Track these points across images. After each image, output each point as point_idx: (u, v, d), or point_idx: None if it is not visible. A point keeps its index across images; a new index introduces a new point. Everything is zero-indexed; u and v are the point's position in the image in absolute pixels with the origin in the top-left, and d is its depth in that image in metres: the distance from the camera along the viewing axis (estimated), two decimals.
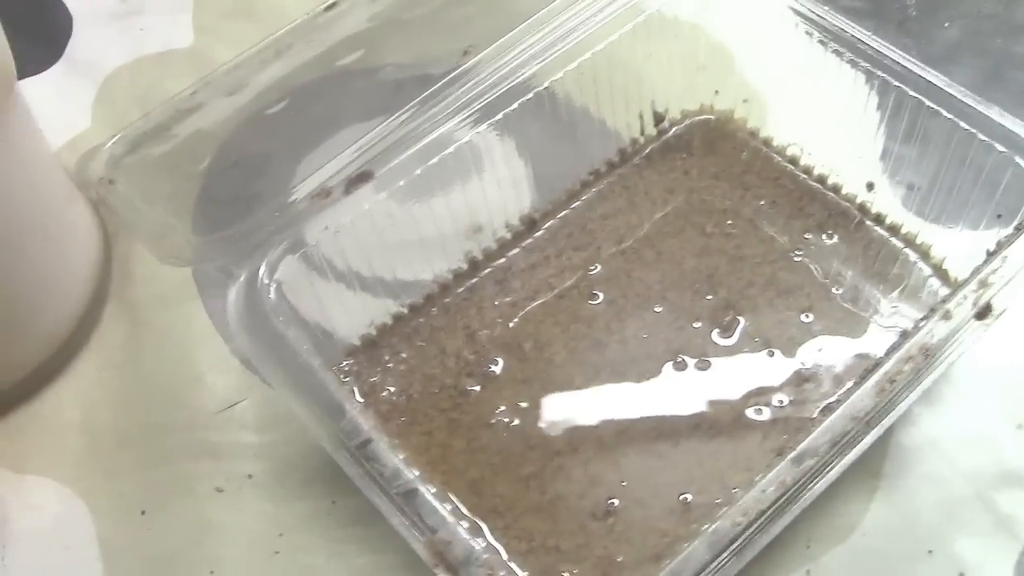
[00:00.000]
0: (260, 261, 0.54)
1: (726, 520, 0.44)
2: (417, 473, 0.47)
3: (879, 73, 0.58)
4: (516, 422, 0.57)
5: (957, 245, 0.60)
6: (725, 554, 0.44)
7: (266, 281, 0.53)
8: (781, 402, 0.57)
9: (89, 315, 0.65)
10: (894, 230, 0.63)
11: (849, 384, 0.51)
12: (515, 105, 0.60)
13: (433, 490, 0.46)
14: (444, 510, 0.46)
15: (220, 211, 0.63)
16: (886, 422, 0.48)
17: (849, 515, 0.56)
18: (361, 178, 0.56)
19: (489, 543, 0.53)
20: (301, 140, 0.66)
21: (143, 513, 0.59)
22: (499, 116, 0.59)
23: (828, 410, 0.47)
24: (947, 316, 0.49)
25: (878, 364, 0.48)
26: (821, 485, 0.46)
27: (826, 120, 0.63)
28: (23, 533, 0.59)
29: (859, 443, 0.47)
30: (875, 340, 0.59)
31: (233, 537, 0.58)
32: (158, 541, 0.58)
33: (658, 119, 0.68)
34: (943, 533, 0.55)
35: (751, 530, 0.44)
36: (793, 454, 0.46)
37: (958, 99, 0.56)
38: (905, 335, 0.49)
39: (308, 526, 0.58)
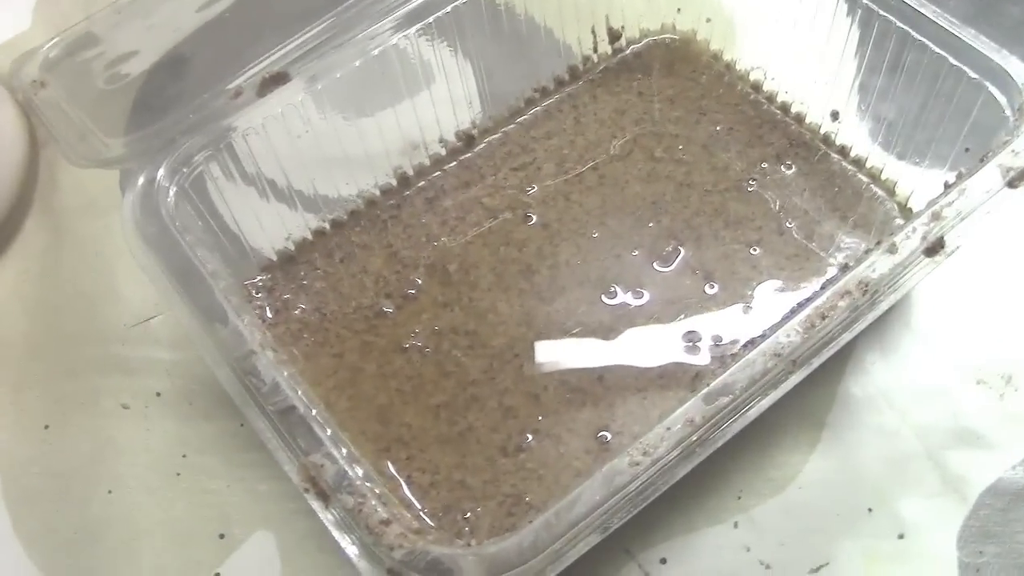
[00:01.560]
0: (160, 162, 0.49)
1: (623, 457, 0.39)
2: (300, 391, 0.42)
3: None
4: (431, 348, 0.52)
5: (924, 182, 0.54)
6: (619, 496, 0.39)
7: (165, 184, 0.49)
8: (718, 340, 0.51)
9: (11, 221, 0.62)
10: (858, 164, 0.57)
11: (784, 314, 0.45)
12: (448, 8, 0.54)
13: (319, 412, 0.42)
14: (322, 432, 0.41)
15: (152, 117, 0.58)
16: (815, 361, 0.42)
17: (787, 467, 0.51)
18: (276, 79, 0.52)
19: (392, 477, 0.48)
20: (240, 46, 0.61)
21: (46, 427, 0.55)
22: (431, 20, 0.54)
23: (750, 345, 0.41)
24: (892, 249, 0.43)
25: (810, 299, 0.42)
26: (737, 426, 0.41)
27: (795, 45, 0.58)
28: None
29: (783, 383, 0.41)
30: (821, 275, 0.53)
31: (135, 456, 0.54)
32: (59, 456, 0.54)
33: (614, 36, 0.62)
34: (886, 491, 0.51)
35: (652, 469, 0.39)
36: (704, 390, 0.40)
37: (930, 20, 0.50)
38: (845, 268, 0.43)
39: (212, 448, 0.54)
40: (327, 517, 0.40)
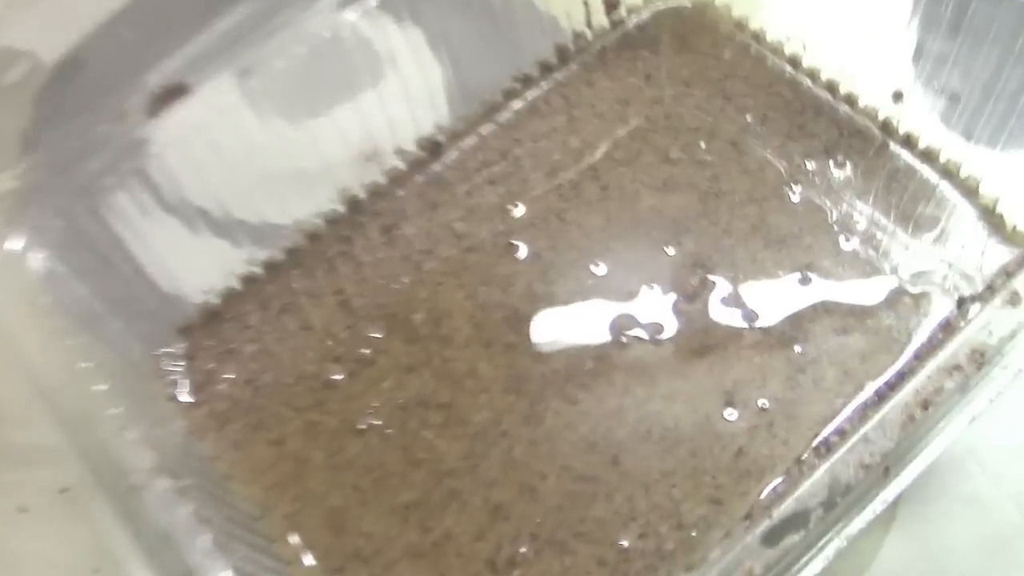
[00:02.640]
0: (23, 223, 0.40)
1: None
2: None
3: None
4: (394, 428, 0.42)
5: (1016, 179, 0.44)
6: None
7: (36, 248, 0.40)
8: (764, 404, 0.39)
9: None
10: (929, 156, 0.47)
11: (861, 390, 0.33)
12: None
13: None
14: None
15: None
16: (917, 464, 0.30)
17: (856, 554, 0.42)
18: (171, 93, 0.42)
19: None
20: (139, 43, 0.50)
21: None
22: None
23: (821, 452, 0.30)
24: (1016, 300, 0.31)
25: (905, 375, 0.30)
26: (818, 564, 0.30)
27: (839, 6, 0.48)
28: None
29: (872, 501, 0.31)
30: (899, 313, 0.42)
31: (37, 572, 0.46)
32: None
33: (610, 5, 0.52)
34: (982, 573, 0.42)
35: None
36: (766, 524, 0.28)
37: None
38: (948, 328, 0.31)
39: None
40: None
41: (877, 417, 0.31)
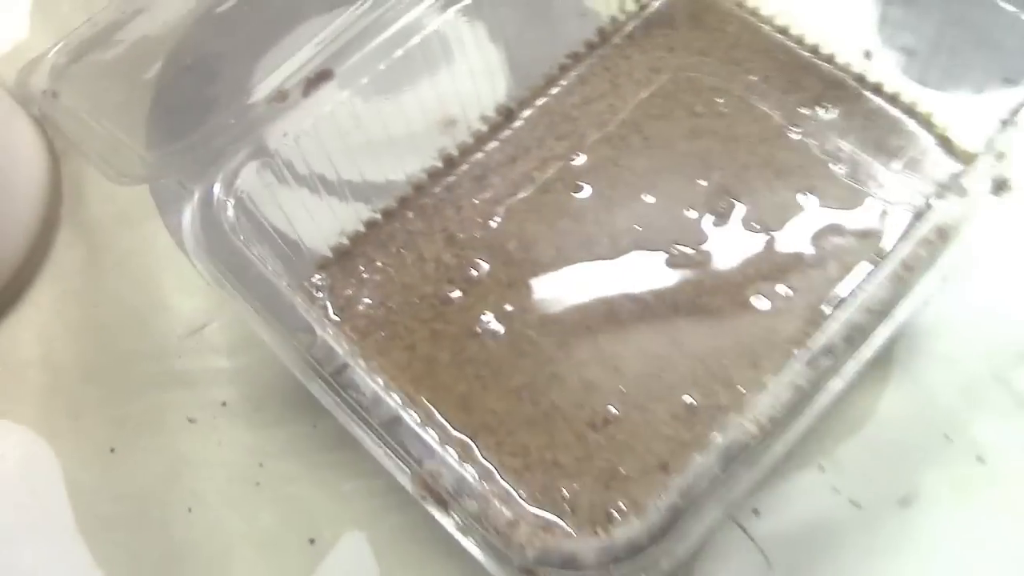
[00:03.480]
0: (215, 176, 0.50)
1: (736, 429, 0.41)
2: (399, 398, 0.43)
3: None
4: (503, 329, 0.53)
5: (962, 112, 0.56)
6: (739, 466, 0.40)
7: (223, 197, 0.50)
8: (786, 290, 0.52)
9: (40, 241, 0.62)
10: (894, 99, 0.59)
11: (858, 269, 0.47)
12: None
13: (417, 417, 0.43)
14: (431, 437, 0.42)
15: (174, 120, 0.59)
16: (902, 312, 0.44)
17: (862, 405, 0.53)
18: (320, 77, 0.52)
19: (483, 466, 0.49)
20: (258, 37, 0.62)
21: (112, 451, 0.56)
22: (467, 1, 0.55)
23: (842, 304, 0.43)
24: (962, 192, 0.45)
25: (893, 251, 0.44)
26: (837, 384, 0.42)
27: None
28: None
29: (875, 336, 0.43)
30: (881, 217, 0.55)
31: (210, 470, 0.55)
32: (130, 480, 0.55)
33: None
34: (960, 417, 0.52)
35: (764, 441, 0.41)
36: (808, 355, 0.42)
37: None
38: (919, 215, 0.45)
39: (289, 453, 0.54)
40: (448, 522, 0.41)
41: (876, 278, 0.43)
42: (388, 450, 0.42)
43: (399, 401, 0.43)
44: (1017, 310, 0.55)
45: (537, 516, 0.47)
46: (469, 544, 0.41)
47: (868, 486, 0.51)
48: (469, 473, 0.41)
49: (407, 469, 0.42)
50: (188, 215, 0.49)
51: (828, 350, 0.42)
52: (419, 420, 0.42)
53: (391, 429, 0.42)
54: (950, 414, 0.52)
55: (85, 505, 0.54)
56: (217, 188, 0.49)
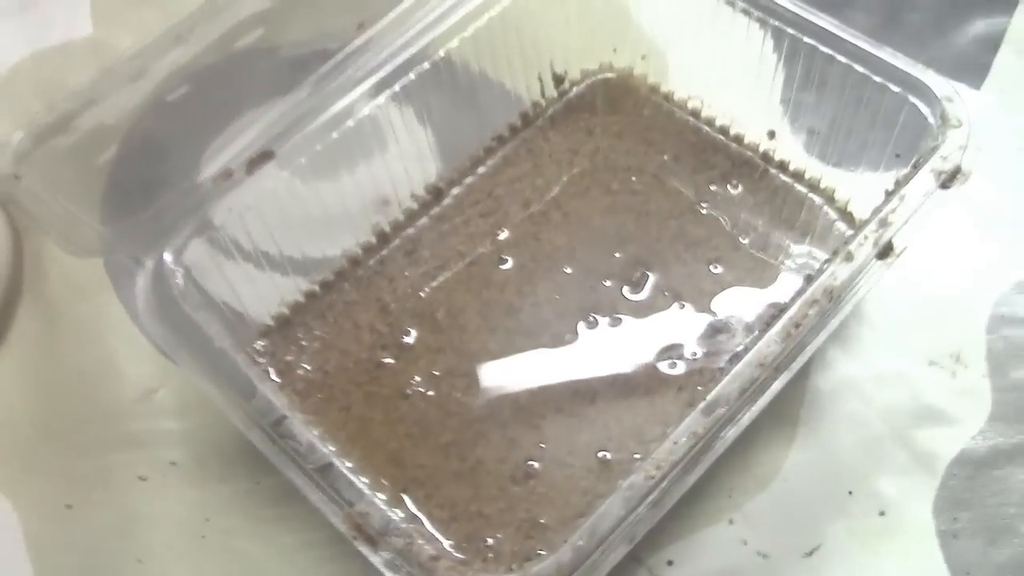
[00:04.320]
0: (165, 247, 0.54)
1: (639, 473, 0.44)
2: (333, 448, 0.47)
3: (772, 21, 0.58)
4: (432, 391, 0.57)
5: (860, 187, 0.61)
6: (641, 507, 0.44)
7: (173, 267, 0.53)
8: (694, 354, 0.57)
9: (3, 314, 0.65)
10: (798, 176, 0.63)
11: (757, 330, 0.51)
12: (412, 75, 0.60)
13: (349, 464, 0.46)
14: (360, 482, 0.46)
15: (127, 200, 0.62)
16: (795, 366, 0.48)
17: (769, 462, 0.57)
18: (262, 157, 0.56)
19: (411, 513, 0.53)
20: (205, 124, 0.65)
21: (68, 507, 0.58)
22: (396, 87, 0.59)
23: (736, 358, 0.47)
24: (849, 257, 0.49)
25: (783, 310, 0.48)
26: (734, 432, 0.47)
27: (725, 71, 0.63)
28: None
29: (769, 389, 0.47)
30: (786, 287, 0.59)
31: (159, 525, 0.57)
32: (85, 534, 0.57)
33: (558, 80, 0.68)
34: (863, 473, 0.56)
35: (665, 481, 0.45)
36: (703, 404, 0.46)
37: (851, 42, 0.56)
38: (809, 279, 0.49)
39: (233, 508, 0.58)
40: (377, 559, 0.44)
41: (768, 335, 0.46)
42: (322, 494, 0.46)
43: (332, 450, 0.47)
44: (913, 371, 0.59)
45: (458, 555, 0.51)
46: None
47: (775, 538, 0.55)
48: (395, 514, 0.45)
49: (339, 510, 0.45)
50: (141, 282, 0.52)
51: (723, 400, 0.46)
52: (350, 467, 0.46)
53: (324, 474, 0.46)
54: (853, 470, 0.56)
55: (44, 557, 0.57)
56: (167, 258, 0.53)
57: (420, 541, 0.44)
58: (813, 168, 0.63)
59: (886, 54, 0.55)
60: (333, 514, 0.46)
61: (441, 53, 0.60)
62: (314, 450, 0.46)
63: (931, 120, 0.54)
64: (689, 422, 0.46)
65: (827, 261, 0.50)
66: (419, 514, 0.53)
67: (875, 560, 0.54)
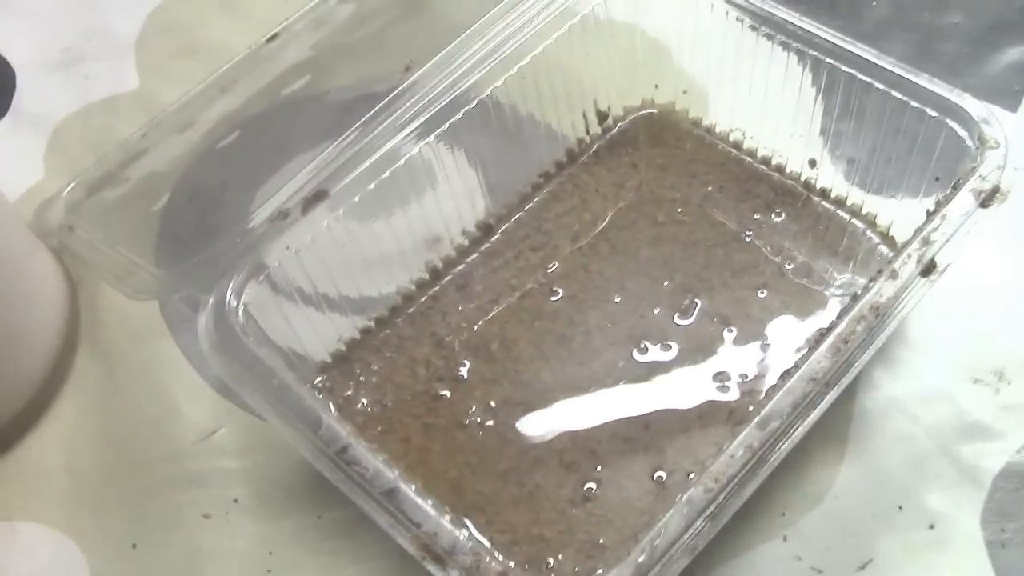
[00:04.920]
0: (226, 286, 0.56)
1: (698, 487, 0.46)
2: (397, 472, 0.49)
3: (811, 52, 0.61)
4: (490, 421, 0.60)
5: (901, 212, 0.63)
6: (699, 520, 0.46)
7: (234, 304, 0.56)
8: (744, 377, 0.59)
9: (62, 361, 0.67)
10: (839, 203, 0.66)
11: (806, 350, 0.53)
12: (460, 115, 0.62)
13: (414, 487, 0.48)
14: (426, 505, 0.48)
15: (181, 246, 0.64)
16: (844, 381, 0.50)
17: (820, 481, 0.59)
18: (317, 197, 0.59)
19: (474, 537, 0.54)
20: (255, 170, 0.68)
21: (134, 547, 0.60)
22: (445, 127, 0.62)
23: (788, 375, 0.49)
24: (894, 275, 0.51)
25: (831, 327, 0.50)
26: (787, 446, 0.49)
27: (764, 103, 0.66)
28: None
29: (820, 404, 0.49)
30: (830, 310, 0.62)
31: (224, 561, 0.59)
32: (151, 572, 0.60)
33: (602, 117, 0.71)
34: (911, 488, 0.58)
35: (723, 495, 0.47)
36: (757, 419, 0.48)
37: (888, 70, 0.59)
38: (855, 297, 0.52)
39: (296, 542, 0.60)
40: None
41: (818, 351, 0.49)
42: (389, 518, 0.48)
43: (397, 474, 0.49)
44: (956, 388, 0.61)
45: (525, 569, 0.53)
46: None
47: (828, 554, 0.57)
48: (462, 534, 0.47)
49: (407, 532, 0.47)
50: (203, 320, 0.55)
51: (776, 415, 0.48)
52: (415, 489, 0.48)
53: (391, 498, 0.48)
54: (902, 486, 0.58)
55: None
56: (229, 295, 0.55)
57: (487, 559, 0.46)
58: (854, 195, 0.65)
59: (923, 80, 0.58)
60: (401, 536, 0.48)
61: (487, 92, 0.63)
62: (380, 475, 0.48)
63: (969, 143, 0.56)
64: (744, 436, 0.48)
65: (872, 279, 0.52)
66: (481, 539, 0.54)
67: (926, 572, 0.56)
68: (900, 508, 0.58)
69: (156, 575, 0.60)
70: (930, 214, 0.54)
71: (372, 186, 0.60)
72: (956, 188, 0.54)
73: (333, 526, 0.60)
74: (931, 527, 0.57)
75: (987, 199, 0.54)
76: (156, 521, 0.61)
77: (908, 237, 0.53)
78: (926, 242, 0.52)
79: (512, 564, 0.50)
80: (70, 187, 0.62)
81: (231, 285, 0.56)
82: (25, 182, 0.76)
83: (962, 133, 0.57)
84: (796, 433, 0.49)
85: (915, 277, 0.52)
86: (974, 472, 0.58)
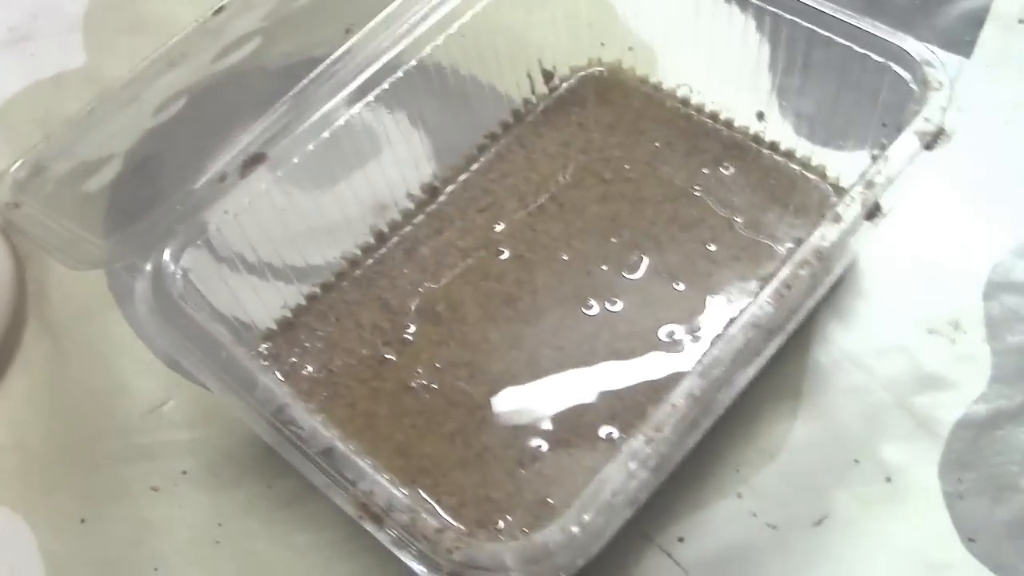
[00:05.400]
0: (163, 250, 0.56)
1: (638, 438, 0.46)
2: (336, 432, 0.48)
3: (755, 2, 0.61)
4: (435, 383, 0.59)
5: (850, 162, 0.62)
6: (641, 471, 0.45)
7: (171, 268, 0.55)
8: (693, 330, 0.59)
9: (9, 337, 0.67)
10: (789, 155, 0.65)
11: (751, 294, 0.53)
12: (399, 74, 0.62)
13: (352, 446, 0.48)
14: (363, 463, 0.47)
15: (127, 217, 0.64)
16: (788, 327, 0.50)
17: (774, 436, 0.58)
18: (255, 160, 0.58)
19: (422, 498, 0.54)
20: (201, 141, 0.67)
21: (83, 521, 0.60)
22: (385, 86, 0.61)
23: (731, 323, 0.49)
24: (836, 219, 0.51)
25: (774, 273, 0.50)
26: (730, 395, 0.48)
27: (711, 58, 0.66)
28: None
29: (764, 352, 0.49)
30: (775, 259, 0.61)
31: (173, 532, 0.59)
32: (100, 546, 0.59)
33: (547, 77, 0.70)
34: (868, 441, 0.58)
35: (664, 446, 0.46)
36: (699, 367, 0.47)
37: (831, 15, 0.58)
38: (799, 243, 0.51)
39: (246, 512, 0.59)
40: (384, 537, 0.46)
41: (759, 298, 0.48)
42: (326, 477, 0.47)
43: (335, 434, 0.48)
44: (912, 340, 0.61)
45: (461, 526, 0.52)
46: (405, 557, 0.46)
47: (784, 509, 0.56)
48: (400, 491, 0.46)
49: (344, 492, 0.47)
50: (140, 286, 0.54)
51: (719, 362, 0.47)
52: (352, 449, 0.48)
53: (327, 457, 0.47)
54: (857, 440, 0.58)
55: (60, 571, 0.59)
56: (166, 259, 0.55)
57: (424, 514, 0.45)
58: (803, 148, 0.65)
59: (866, 24, 0.57)
60: (338, 496, 0.47)
61: (427, 51, 0.63)
62: (316, 435, 0.48)
63: (913, 85, 0.56)
64: (686, 385, 0.47)
65: (814, 224, 0.51)
66: (430, 500, 0.55)
67: (883, 525, 0.55)
68: (856, 462, 0.57)
69: (105, 548, 0.59)
70: (874, 158, 0.54)
71: (311, 147, 0.60)
72: (899, 130, 0.54)
73: (284, 495, 0.59)
74: (888, 480, 0.57)
75: (931, 141, 0.53)
76: (104, 495, 0.61)
77: None
78: (869, 185, 0.52)
79: (454, 522, 0.50)
80: (16, 164, 0.62)
81: (168, 250, 0.55)
82: None
83: (906, 76, 0.56)
84: (739, 381, 0.48)
85: (859, 221, 0.51)
86: (930, 423, 0.58)
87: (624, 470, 0.45)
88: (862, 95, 0.59)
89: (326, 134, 0.60)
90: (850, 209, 0.51)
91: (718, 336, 0.48)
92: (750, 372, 0.49)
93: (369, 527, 0.46)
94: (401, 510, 0.45)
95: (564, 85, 0.71)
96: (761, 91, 0.65)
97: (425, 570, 0.45)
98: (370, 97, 0.61)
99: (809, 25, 0.59)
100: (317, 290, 0.64)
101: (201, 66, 0.66)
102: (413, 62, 0.62)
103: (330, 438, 0.48)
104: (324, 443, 0.47)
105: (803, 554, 0.55)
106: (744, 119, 0.67)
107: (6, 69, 0.81)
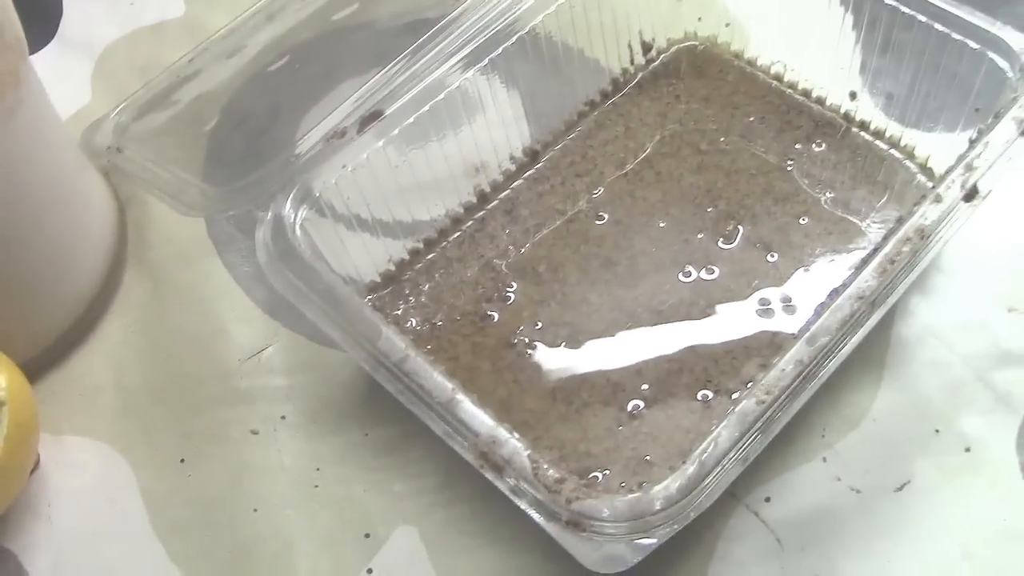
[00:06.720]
0: (284, 201, 0.58)
1: (750, 399, 0.49)
2: (453, 385, 0.51)
3: None
4: (537, 341, 0.62)
5: (939, 144, 0.65)
6: (750, 431, 0.48)
7: (292, 219, 0.58)
8: (787, 300, 0.62)
9: (110, 279, 0.69)
10: (879, 135, 0.69)
11: (851, 271, 0.55)
12: (513, 39, 0.65)
13: (472, 398, 0.51)
14: (484, 415, 0.50)
15: (228, 168, 0.67)
16: (890, 300, 0.53)
17: (858, 404, 0.61)
18: (372, 116, 0.61)
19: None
20: (303, 95, 0.70)
21: (182, 461, 0.63)
22: (495, 54, 0.64)
23: (835, 293, 0.52)
24: (938, 199, 0.54)
25: (878, 248, 0.53)
26: (833, 364, 0.51)
27: (806, 37, 0.68)
28: (66, 491, 0.62)
29: (865, 323, 0.52)
30: (867, 239, 0.64)
31: (272, 475, 0.62)
32: (199, 486, 0.62)
33: (646, 49, 0.73)
34: (947, 413, 0.61)
35: (773, 408, 0.49)
36: (807, 335, 0.50)
37: (929, 3, 0.61)
38: (900, 220, 0.54)
39: (344, 459, 0.62)
40: (503, 485, 0.49)
41: (865, 271, 0.51)
42: (448, 427, 0.50)
43: (453, 387, 0.51)
44: (992, 317, 0.64)
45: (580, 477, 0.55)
46: (523, 504, 0.48)
47: (867, 475, 0.59)
48: (520, 441, 0.49)
49: (465, 442, 0.50)
50: (261, 234, 0.57)
51: (825, 331, 0.50)
52: (473, 400, 0.51)
53: (449, 408, 0.50)
54: (938, 411, 0.61)
55: (159, 510, 0.61)
56: (287, 210, 0.58)
57: (544, 465, 0.48)
58: (893, 128, 0.68)
59: (964, 13, 0.60)
60: (459, 446, 0.50)
61: (537, 21, 0.66)
62: (439, 386, 0.51)
63: (1010, 73, 0.59)
64: (795, 351, 0.50)
65: (916, 204, 0.54)
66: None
67: (961, 493, 0.58)
68: (936, 432, 0.60)
69: (205, 489, 0.62)
70: (972, 142, 0.56)
71: (427, 108, 0.62)
72: (998, 117, 0.56)
73: (381, 443, 0.62)
74: (967, 450, 0.59)
75: None
76: (204, 437, 0.64)
77: (946, 168, 0.56)
78: (969, 168, 0.55)
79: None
80: (118, 109, 0.64)
81: (289, 200, 0.58)
82: (72, 105, 0.78)
83: (1003, 64, 0.59)
84: (843, 351, 0.51)
85: (958, 202, 0.54)
86: (1008, 398, 0.61)
87: (736, 429, 0.48)
88: (955, 79, 0.62)
89: (442, 96, 0.63)
90: (951, 190, 0.54)
91: (822, 305, 0.51)
92: (853, 341, 0.51)
93: (489, 475, 0.49)
94: (523, 460, 0.48)
95: (661, 58, 0.74)
96: (853, 71, 0.68)
97: (542, 518, 0.48)
98: (484, 62, 0.64)
99: (907, 10, 0.62)
100: (420, 246, 0.66)
101: (302, 22, 0.69)
102: (526, 29, 0.65)
103: (452, 389, 0.50)
104: (446, 395, 0.50)
105: (885, 518, 0.58)
106: (836, 98, 0.69)
107: (107, 16, 0.84)
